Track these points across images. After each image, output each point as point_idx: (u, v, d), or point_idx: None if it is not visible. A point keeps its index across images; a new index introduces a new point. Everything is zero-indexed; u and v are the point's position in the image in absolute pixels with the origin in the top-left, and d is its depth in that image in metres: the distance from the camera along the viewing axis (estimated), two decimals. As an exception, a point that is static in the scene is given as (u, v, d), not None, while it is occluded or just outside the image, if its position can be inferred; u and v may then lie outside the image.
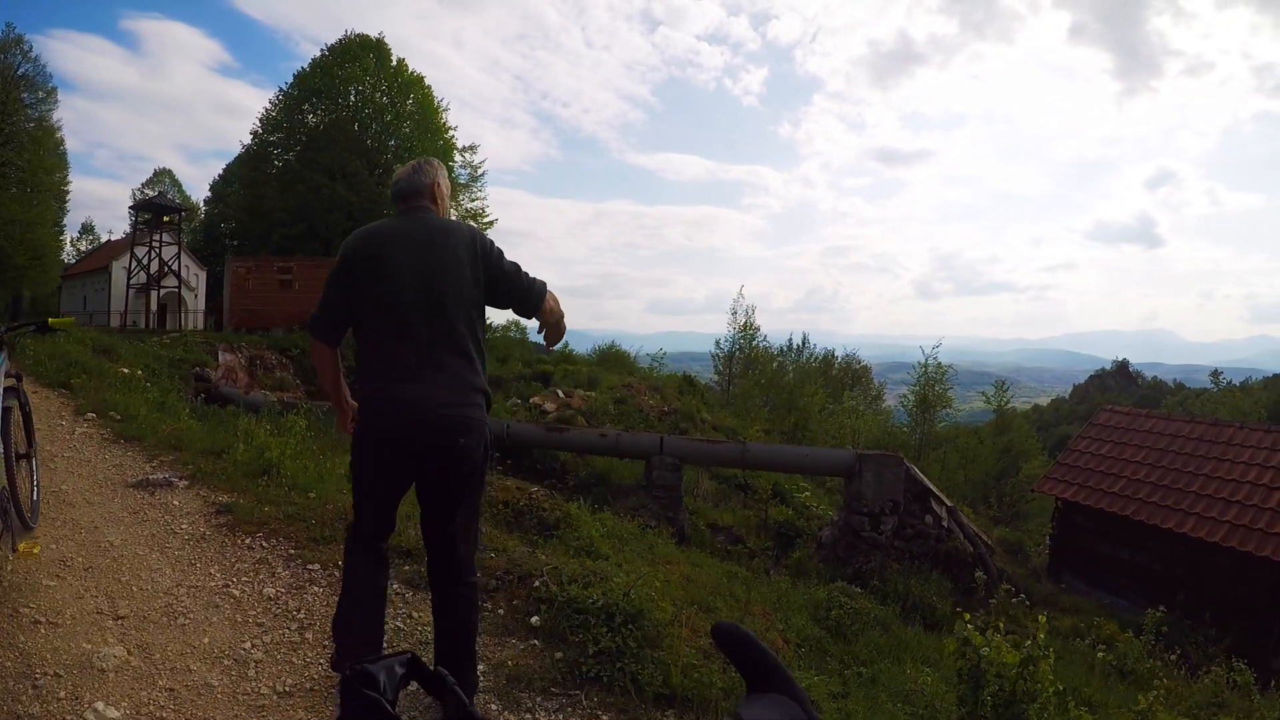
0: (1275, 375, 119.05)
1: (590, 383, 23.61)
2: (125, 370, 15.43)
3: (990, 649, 5.35)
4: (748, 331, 40.57)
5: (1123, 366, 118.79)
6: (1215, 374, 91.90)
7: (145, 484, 7.29)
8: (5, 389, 5.15)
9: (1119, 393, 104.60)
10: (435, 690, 1.14)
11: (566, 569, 5.50)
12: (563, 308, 3.99)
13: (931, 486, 14.21)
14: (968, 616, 6.15)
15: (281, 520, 6.44)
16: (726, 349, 40.68)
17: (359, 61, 43.51)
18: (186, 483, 7.43)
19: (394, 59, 45.03)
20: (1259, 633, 14.19)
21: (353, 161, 41.74)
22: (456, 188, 46.43)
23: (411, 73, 45.28)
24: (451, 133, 46.12)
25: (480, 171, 48.29)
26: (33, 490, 5.79)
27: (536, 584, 5.34)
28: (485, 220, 48.23)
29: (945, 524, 13.78)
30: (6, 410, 5.11)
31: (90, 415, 10.16)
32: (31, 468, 5.80)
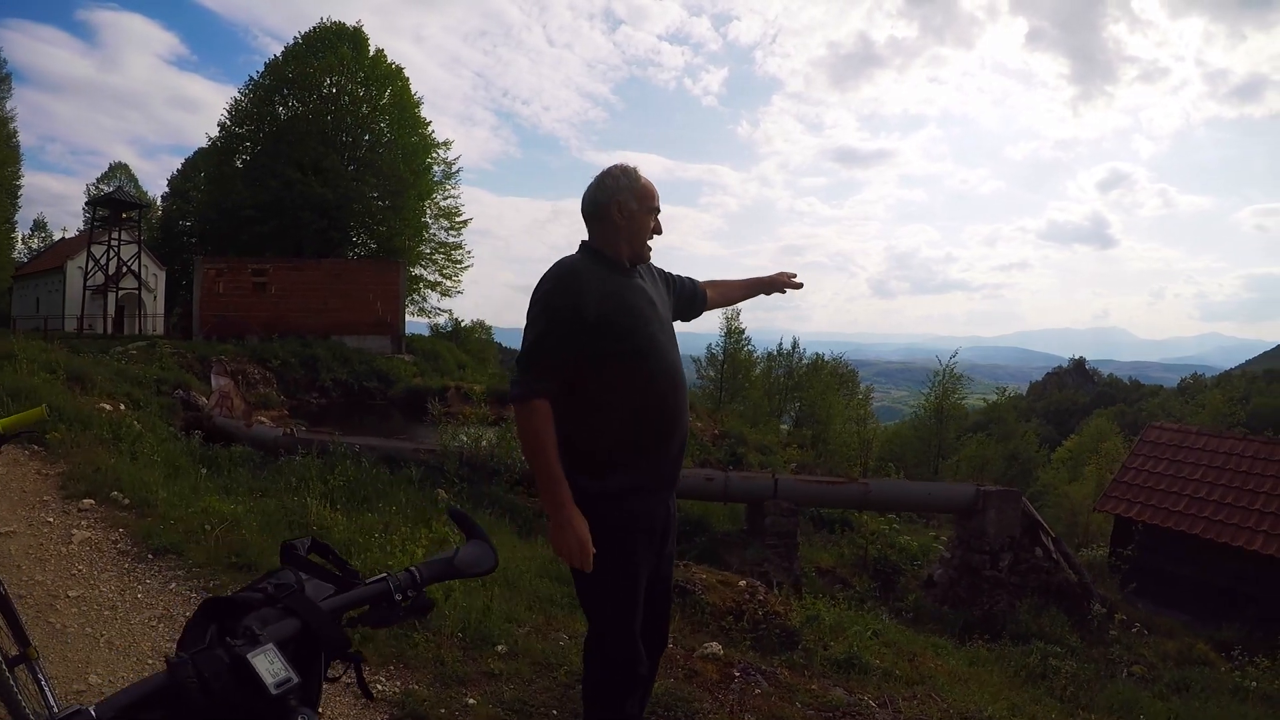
0: (1225, 372, 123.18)
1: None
2: (108, 406, 12.91)
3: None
4: (735, 335, 39.51)
5: (1079, 364, 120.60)
6: (1196, 376, 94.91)
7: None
8: None
9: (1076, 390, 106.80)
10: (322, 552, 1.54)
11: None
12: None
13: (1040, 518, 13.97)
14: None
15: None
16: (719, 353, 39.47)
17: (334, 51, 41.38)
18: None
19: (371, 49, 43.22)
20: None
21: (329, 155, 39.62)
22: (431, 186, 44.72)
23: (390, 64, 43.47)
24: (430, 128, 44.36)
25: (455, 169, 46.74)
26: (47, 704, 3.28)
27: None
28: (459, 219, 46.81)
29: (1054, 555, 13.50)
30: None
31: (87, 501, 7.35)
32: (36, 673, 3.31)
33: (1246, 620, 15.39)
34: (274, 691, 1.14)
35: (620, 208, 3.24)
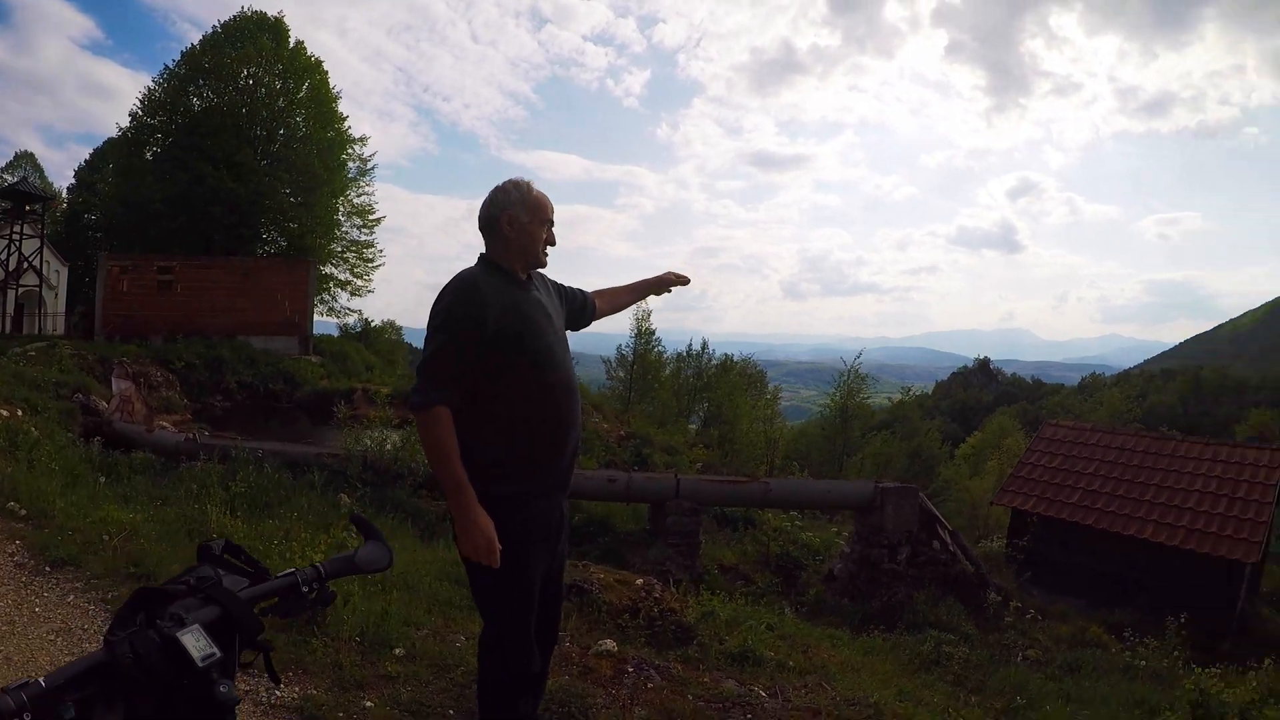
0: (1124, 372, 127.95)
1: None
2: (4, 412, 12.58)
3: (1225, 695, 6.28)
4: (645, 336, 39.47)
5: (984, 364, 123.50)
6: (1095, 375, 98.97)
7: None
8: None
9: (980, 389, 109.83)
10: (234, 552, 1.74)
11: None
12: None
13: (936, 513, 14.38)
14: (1198, 670, 7.75)
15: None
16: (629, 354, 39.37)
17: (254, 41, 40.16)
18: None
19: (292, 40, 42.10)
20: (1208, 620, 15.72)
21: (242, 149, 38.58)
22: (345, 182, 43.84)
23: (310, 57, 42.29)
24: (346, 123, 43.43)
25: (370, 165, 45.72)
26: None
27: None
28: (373, 217, 45.92)
29: (950, 548, 13.89)
30: None
31: (-17, 512, 7.22)
32: None
33: (1138, 604, 16.47)
34: (200, 664, 1.33)
35: (511, 221, 3.33)
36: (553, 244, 3.47)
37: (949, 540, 13.99)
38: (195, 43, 42.04)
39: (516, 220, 3.34)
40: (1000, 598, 13.21)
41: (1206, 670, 7.77)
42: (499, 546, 3.11)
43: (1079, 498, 19.98)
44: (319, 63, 42.64)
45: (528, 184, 3.41)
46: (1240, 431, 58.79)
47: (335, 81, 43.28)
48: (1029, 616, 13.45)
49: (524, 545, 3.26)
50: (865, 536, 13.35)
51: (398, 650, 5.00)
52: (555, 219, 3.47)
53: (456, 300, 3.20)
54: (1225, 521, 17.74)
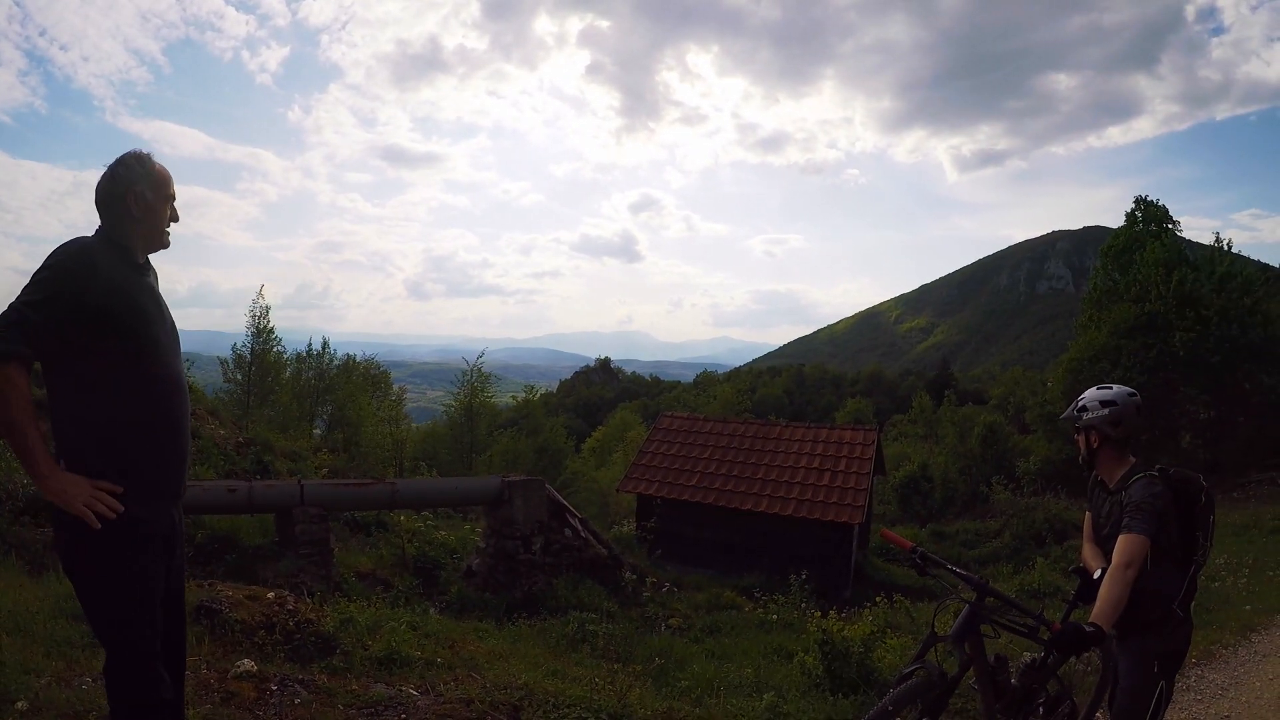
0: (734, 369, 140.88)
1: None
2: None
3: (846, 632, 7.09)
4: (264, 335, 37.36)
5: (605, 363, 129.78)
6: (707, 372, 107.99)
7: None
8: None
9: (602, 386, 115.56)
10: None
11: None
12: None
13: (564, 502, 14.88)
14: (818, 614, 9.23)
15: None
16: (247, 354, 37.01)
17: None
18: None
19: None
20: (831, 574, 18.68)
21: None
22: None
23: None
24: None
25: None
26: None
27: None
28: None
29: (582, 534, 14.45)
30: None
31: None
32: None
33: (763, 568, 18.60)
34: None
35: (136, 199, 3.11)
36: (176, 219, 3.29)
37: (580, 527, 14.51)
38: None
39: (142, 199, 3.12)
40: (636, 576, 13.93)
41: (828, 616, 8.95)
42: (100, 490, 2.88)
43: (698, 480, 21.76)
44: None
45: (149, 156, 3.20)
46: (840, 417, 66.90)
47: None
48: (665, 590, 14.76)
49: (137, 555, 3.03)
50: (498, 530, 13.52)
51: (20, 704, 4.36)
52: (175, 196, 3.28)
53: (68, 259, 2.93)
54: (831, 491, 20.22)
